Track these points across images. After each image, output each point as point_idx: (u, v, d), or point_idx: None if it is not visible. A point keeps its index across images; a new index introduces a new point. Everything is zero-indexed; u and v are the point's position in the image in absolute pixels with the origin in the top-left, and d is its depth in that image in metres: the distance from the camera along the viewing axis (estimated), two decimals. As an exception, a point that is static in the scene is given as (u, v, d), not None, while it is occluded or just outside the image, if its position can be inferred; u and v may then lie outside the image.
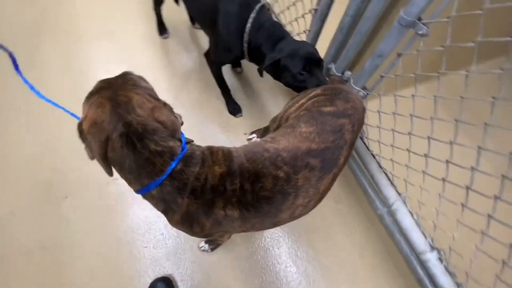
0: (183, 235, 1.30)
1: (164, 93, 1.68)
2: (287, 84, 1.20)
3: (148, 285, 1.19)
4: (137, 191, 0.71)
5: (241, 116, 1.68)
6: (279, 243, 1.36)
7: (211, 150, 0.77)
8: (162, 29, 1.90)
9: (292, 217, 0.83)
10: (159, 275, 1.23)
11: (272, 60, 1.15)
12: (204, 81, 1.77)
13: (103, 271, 1.23)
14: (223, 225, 0.75)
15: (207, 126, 1.64)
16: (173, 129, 0.70)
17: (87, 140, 0.65)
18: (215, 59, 1.47)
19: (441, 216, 1.08)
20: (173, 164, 0.68)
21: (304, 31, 1.48)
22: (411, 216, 1.21)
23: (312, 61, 1.13)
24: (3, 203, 1.32)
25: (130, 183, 0.69)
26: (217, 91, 1.67)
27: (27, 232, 1.27)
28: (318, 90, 0.97)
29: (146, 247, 1.29)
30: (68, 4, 1.97)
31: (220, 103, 1.71)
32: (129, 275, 1.23)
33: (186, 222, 0.73)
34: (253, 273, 1.28)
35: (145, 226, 1.33)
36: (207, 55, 1.52)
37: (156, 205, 0.72)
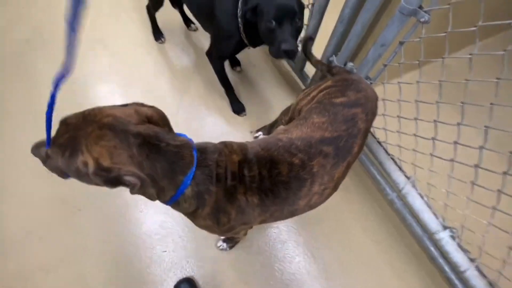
0: (201, 236, 1.32)
1: (168, 98, 1.70)
2: (263, 36, 1.19)
3: None
4: (170, 199, 0.70)
5: (245, 115, 1.69)
6: (294, 235, 1.39)
7: (225, 143, 0.79)
8: (157, 34, 1.90)
9: (309, 206, 0.85)
10: (181, 277, 1.25)
11: (252, 4, 1.14)
12: (206, 82, 1.78)
13: (125, 280, 1.24)
14: (246, 214, 0.77)
15: (213, 126, 1.65)
16: (166, 122, 0.72)
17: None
18: (217, 53, 1.48)
19: (451, 196, 1.12)
20: (195, 153, 0.69)
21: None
22: (421, 198, 1.25)
23: (286, 12, 1.10)
24: (19, 223, 1.32)
25: (163, 192, 0.67)
26: (221, 91, 1.67)
27: (46, 249, 1.28)
28: (329, 82, 0.99)
29: (165, 251, 1.30)
30: (60, 19, 1.94)
31: (224, 103, 1.72)
32: (151, 281, 1.24)
33: (215, 213, 0.75)
34: (272, 267, 1.31)
35: (162, 231, 1.34)
36: (208, 53, 1.52)
37: (188, 206, 0.73)
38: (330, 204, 1.44)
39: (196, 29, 1.99)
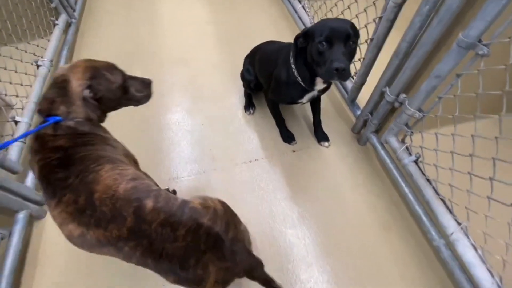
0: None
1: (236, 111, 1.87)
2: (314, 60, 1.19)
3: None
4: None
5: (295, 143, 1.74)
6: (324, 271, 1.32)
7: None
8: (248, 106, 1.89)
9: None
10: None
11: (304, 30, 1.20)
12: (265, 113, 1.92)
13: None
14: None
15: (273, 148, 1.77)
16: None
17: None
18: (273, 96, 1.57)
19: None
20: None
21: (359, 59, 1.58)
22: (474, 250, 1.10)
23: (339, 34, 1.09)
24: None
25: None
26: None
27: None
28: None
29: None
30: (158, 39, 2.40)
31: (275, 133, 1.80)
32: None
33: None
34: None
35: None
36: (265, 93, 1.65)
37: None
38: (368, 241, 1.37)
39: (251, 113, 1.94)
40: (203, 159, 1.68)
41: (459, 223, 1.16)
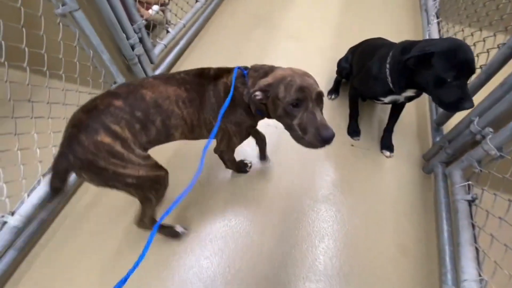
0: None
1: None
2: (428, 86, 1.15)
3: None
4: None
5: (358, 140, 1.77)
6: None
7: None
8: (333, 91, 2.02)
9: None
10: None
11: (422, 51, 1.08)
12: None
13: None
14: None
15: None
16: None
17: None
18: (357, 86, 1.63)
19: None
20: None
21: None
22: (483, 307, 0.99)
23: (468, 69, 1.04)
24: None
25: None
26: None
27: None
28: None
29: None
30: (289, 12, 2.71)
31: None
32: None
33: None
34: None
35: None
36: (351, 81, 1.73)
37: None
38: (380, 257, 1.34)
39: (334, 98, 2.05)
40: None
41: (480, 275, 1.05)
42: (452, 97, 1.12)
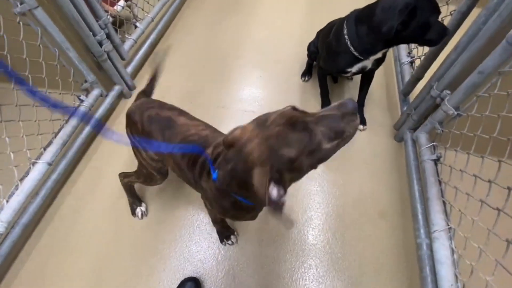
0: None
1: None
2: (418, 32, 1.21)
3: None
4: None
5: None
6: (308, 256, 1.37)
7: None
8: (306, 73, 2.06)
9: None
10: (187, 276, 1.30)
11: (406, 9, 1.14)
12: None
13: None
14: None
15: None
16: None
17: None
18: (324, 66, 1.68)
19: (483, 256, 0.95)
20: None
21: (424, 54, 1.56)
22: (451, 252, 1.09)
23: (435, 5, 1.17)
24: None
25: None
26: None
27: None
28: None
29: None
30: (257, 2, 2.72)
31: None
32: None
33: None
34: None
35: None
36: (317, 63, 1.79)
37: None
38: (360, 221, 1.43)
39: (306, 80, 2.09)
40: (248, 101, 1.95)
41: (448, 225, 1.14)
42: (438, 33, 1.21)
